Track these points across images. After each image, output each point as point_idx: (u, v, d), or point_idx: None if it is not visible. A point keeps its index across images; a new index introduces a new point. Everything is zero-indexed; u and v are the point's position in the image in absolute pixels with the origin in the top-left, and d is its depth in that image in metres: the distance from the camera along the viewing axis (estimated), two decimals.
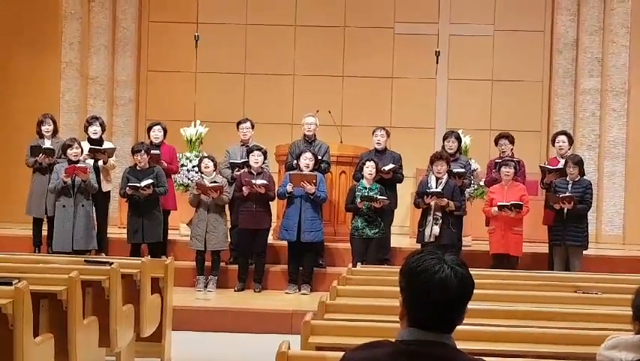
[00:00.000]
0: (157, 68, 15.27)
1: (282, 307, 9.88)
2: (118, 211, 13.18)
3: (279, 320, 9.30)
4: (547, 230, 10.85)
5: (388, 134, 11.45)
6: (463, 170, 10.95)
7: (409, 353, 2.63)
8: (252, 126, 11.60)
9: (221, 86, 15.08)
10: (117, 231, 12.14)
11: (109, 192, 11.42)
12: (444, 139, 11.36)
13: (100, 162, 11.06)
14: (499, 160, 11.00)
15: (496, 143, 11.41)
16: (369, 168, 10.57)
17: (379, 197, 10.38)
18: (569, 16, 14.50)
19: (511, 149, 11.30)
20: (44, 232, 11.20)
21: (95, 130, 11.24)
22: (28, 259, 7.78)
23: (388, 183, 10.91)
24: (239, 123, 11.65)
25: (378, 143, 11.25)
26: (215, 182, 10.70)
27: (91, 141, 11.20)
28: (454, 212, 10.35)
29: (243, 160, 11.16)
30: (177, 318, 8.32)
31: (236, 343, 9.02)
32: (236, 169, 11.14)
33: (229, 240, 11.19)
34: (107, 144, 11.41)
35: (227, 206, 11.14)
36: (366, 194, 10.41)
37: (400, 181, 11.33)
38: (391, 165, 10.97)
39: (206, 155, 11.15)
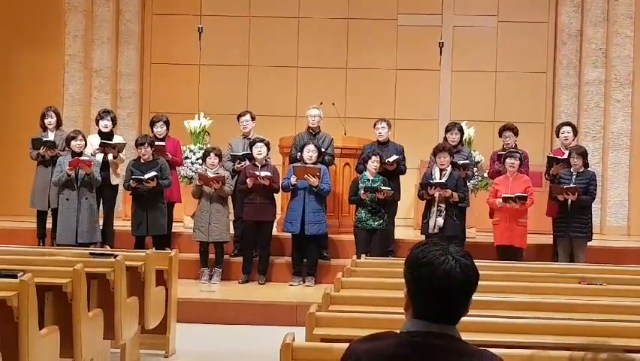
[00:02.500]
0: (160, 60, 15.27)
1: (286, 299, 9.89)
2: (122, 204, 13.20)
3: (283, 312, 9.32)
4: (552, 221, 10.84)
5: (390, 126, 11.44)
6: (467, 161, 10.95)
7: (414, 344, 2.63)
8: (253, 118, 11.62)
9: (224, 78, 15.07)
10: (121, 223, 12.14)
11: (117, 185, 11.42)
12: (446, 131, 11.34)
13: (110, 156, 11.07)
14: (503, 152, 10.97)
15: (500, 134, 11.39)
16: (374, 163, 10.56)
17: (383, 188, 10.38)
18: (572, 7, 14.46)
19: (515, 141, 11.28)
20: (48, 225, 11.22)
21: (105, 124, 11.23)
22: (32, 252, 7.80)
23: (391, 174, 10.91)
24: (239, 116, 11.68)
25: (380, 135, 11.25)
26: (217, 173, 10.72)
27: (101, 134, 11.20)
28: (458, 203, 10.36)
29: (244, 152, 11.17)
30: (182, 310, 8.34)
31: (240, 335, 9.04)
32: (237, 161, 11.16)
33: (231, 232, 11.20)
34: (117, 138, 11.38)
35: (230, 198, 11.16)
36: (370, 185, 10.41)
37: (403, 173, 11.33)
38: (395, 157, 10.97)
39: (213, 148, 11.14)
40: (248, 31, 15.23)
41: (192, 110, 13.81)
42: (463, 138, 11.60)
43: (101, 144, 10.95)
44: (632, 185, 13.88)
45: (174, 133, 11.92)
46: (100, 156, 10.93)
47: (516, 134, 11.29)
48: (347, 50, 15.18)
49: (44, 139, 11.03)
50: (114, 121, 11.45)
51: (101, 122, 11.26)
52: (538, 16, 14.93)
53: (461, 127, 11.40)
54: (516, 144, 11.26)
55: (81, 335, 5.86)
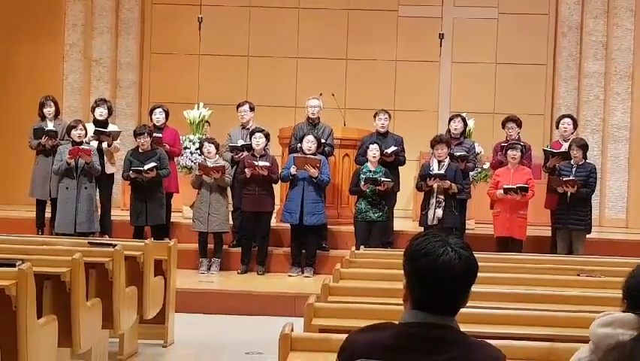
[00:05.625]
0: (160, 50, 15.24)
1: (285, 290, 9.91)
2: (121, 194, 13.19)
3: (282, 303, 9.32)
4: (550, 214, 10.85)
5: (390, 117, 11.44)
6: (465, 153, 10.93)
7: (413, 335, 2.63)
8: (252, 109, 11.61)
9: (224, 68, 15.04)
10: (120, 213, 12.15)
11: (113, 174, 11.42)
12: (450, 121, 11.34)
13: (104, 145, 11.07)
14: (505, 143, 10.96)
15: (503, 126, 11.36)
16: (374, 151, 10.56)
17: (384, 179, 10.37)
18: None
19: (518, 132, 11.26)
20: (47, 214, 11.22)
21: (101, 112, 11.24)
22: (31, 241, 7.79)
23: (391, 165, 10.90)
24: (238, 106, 11.67)
25: (382, 126, 11.22)
26: (217, 163, 10.72)
27: (96, 122, 11.20)
28: (457, 195, 10.36)
29: (242, 144, 11.16)
30: (180, 300, 8.35)
31: (239, 325, 9.05)
32: (235, 152, 11.15)
33: (231, 223, 11.20)
34: (111, 127, 11.41)
35: (229, 189, 11.15)
36: (371, 176, 10.40)
37: (403, 164, 11.32)
38: (393, 148, 10.96)
39: (207, 138, 11.14)
40: (248, 22, 15.20)
41: (192, 100, 13.80)
42: (466, 129, 11.59)
43: (95, 132, 10.96)
44: (631, 177, 13.88)
45: (174, 123, 11.91)
46: (94, 144, 10.92)
47: (519, 125, 11.28)
48: (347, 40, 15.15)
49: (46, 128, 11.03)
50: (110, 110, 11.47)
51: (96, 109, 11.28)
52: (538, 8, 14.90)
53: (464, 118, 11.39)
54: (519, 136, 11.26)
55: (79, 324, 5.86)
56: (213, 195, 10.75)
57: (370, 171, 10.50)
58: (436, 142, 10.50)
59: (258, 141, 10.73)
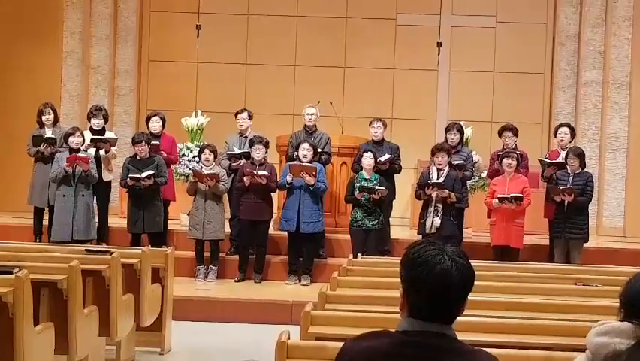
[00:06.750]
0: (158, 57, 15.25)
1: (282, 298, 9.90)
2: (118, 201, 13.18)
3: (279, 311, 9.32)
4: (548, 222, 10.85)
5: (385, 125, 11.43)
6: (462, 162, 10.93)
7: (409, 343, 2.62)
8: (250, 116, 11.63)
9: (222, 76, 15.05)
10: (117, 220, 12.13)
11: (110, 181, 11.42)
12: (446, 131, 11.32)
13: (101, 152, 11.06)
14: (502, 152, 10.96)
15: (500, 135, 11.36)
16: (368, 159, 10.56)
17: (377, 188, 10.37)
18: (571, 8, 14.46)
19: (515, 141, 11.26)
20: (45, 222, 11.20)
21: (97, 123, 11.25)
22: (29, 248, 7.79)
23: (385, 174, 10.89)
24: (237, 113, 11.68)
25: (375, 135, 11.24)
26: (213, 171, 10.71)
27: (93, 130, 11.20)
28: (455, 204, 10.36)
29: (240, 152, 11.16)
30: (177, 308, 8.35)
31: (236, 333, 9.04)
32: (232, 160, 11.15)
33: (226, 230, 11.19)
34: (108, 134, 11.42)
35: (226, 196, 11.15)
36: (365, 185, 10.40)
37: (398, 172, 11.32)
38: (387, 156, 10.95)
39: (208, 145, 11.13)
40: (246, 29, 15.21)
41: (190, 108, 13.82)
42: (464, 138, 11.59)
43: (92, 139, 10.95)
44: (629, 186, 13.88)
45: (171, 130, 11.90)
46: (92, 152, 10.92)
47: (515, 134, 11.26)
48: (345, 48, 15.16)
49: (45, 136, 11.03)
50: (106, 118, 11.49)
51: (93, 120, 11.29)
52: (536, 17, 14.92)
53: (461, 127, 11.36)
54: (516, 145, 11.25)
55: (76, 331, 5.86)
56: (208, 203, 10.74)
57: (365, 180, 10.50)
58: (437, 150, 10.49)
59: (258, 152, 10.73)
